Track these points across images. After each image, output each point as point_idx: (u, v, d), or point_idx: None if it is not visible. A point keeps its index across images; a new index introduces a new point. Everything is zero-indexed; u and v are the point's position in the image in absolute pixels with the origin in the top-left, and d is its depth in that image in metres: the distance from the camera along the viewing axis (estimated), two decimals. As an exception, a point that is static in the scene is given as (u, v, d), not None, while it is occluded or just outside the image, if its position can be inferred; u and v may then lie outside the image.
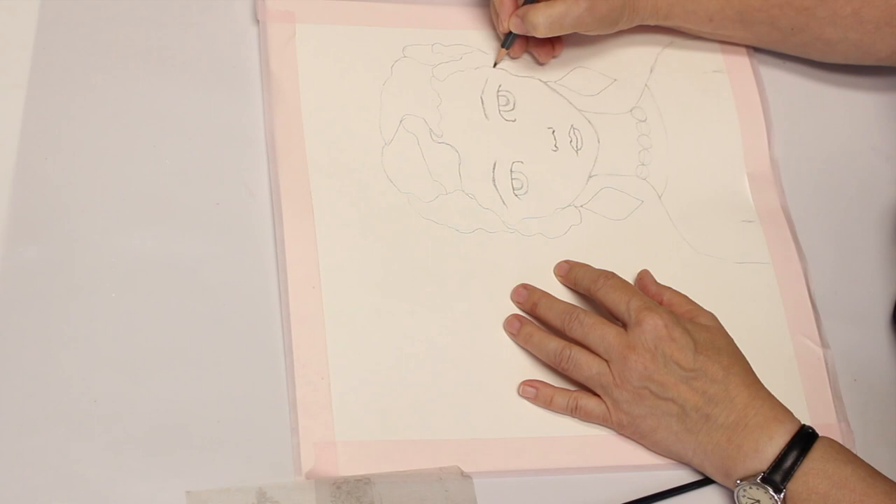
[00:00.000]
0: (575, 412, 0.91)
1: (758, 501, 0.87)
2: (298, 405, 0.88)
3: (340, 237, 0.95)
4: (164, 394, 0.87)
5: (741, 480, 0.87)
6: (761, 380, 0.91)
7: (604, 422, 0.91)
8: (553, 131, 1.04)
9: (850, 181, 1.07)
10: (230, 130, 0.99)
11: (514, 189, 1.01)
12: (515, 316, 0.95)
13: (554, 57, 1.06)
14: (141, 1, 1.03)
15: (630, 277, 0.98)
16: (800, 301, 1.01)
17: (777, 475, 0.86)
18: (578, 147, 1.04)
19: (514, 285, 0.97)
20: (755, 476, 0.87)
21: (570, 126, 1.04)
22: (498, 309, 0.96)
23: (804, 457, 0.86)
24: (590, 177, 1.03)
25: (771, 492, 0.86)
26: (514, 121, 1.04)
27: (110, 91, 0.98)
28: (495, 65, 1.04)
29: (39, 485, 0.83)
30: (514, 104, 1.04)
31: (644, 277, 0.98)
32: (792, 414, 0.89)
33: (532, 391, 0.92)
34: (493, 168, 1.01)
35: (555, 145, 1.03)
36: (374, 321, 0.93)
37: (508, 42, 1.04)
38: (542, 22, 0.99)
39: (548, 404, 0.92)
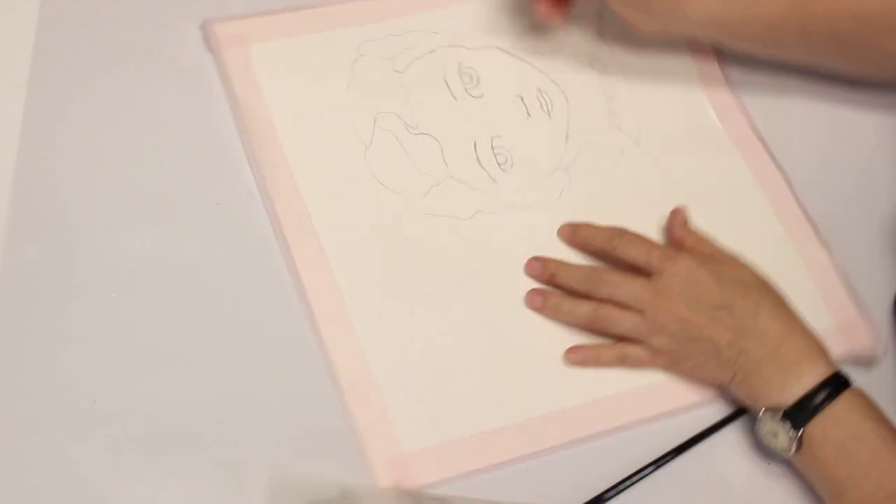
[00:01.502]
0: (624, 362, 0.92)
1: (775, 435, 0.87)
2: (360, 427, 0.88)
3: (351, 253, 0.94)
4: (164, 394, 0.87)
5: (764, 411, 0.88)
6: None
7: (652, 366, 0.93)
8: (522, 98, 1.04)
9: (850, 181, 1.07)
10: (230, 130, 0.98)
11: (499, 165, 1.01)
12: (535, 291, 0.95)
13: (558, 18, 1.02)
14: (141, 1, 1.03)
15: (632, 229, 0.98)
16: (792, 212, 1.03)
17: (798, 413, 0.87)
18: (550, 110, 1.04)
19: (524, 257, 0.97)
20: (778, 410, 0.87)
21: (536, 90, 1.05)
22: (519, 284, 0.96)
23: (829, 402, 0.87)
24: (567, 137, 1.03)
25: (790, 428, 0.86)
26: (482, 96, 1.04)
27: (110, 91, 0.98)
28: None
29: (39, 485, 0.83)
30: (479, 80, 1.04)
31: (674, 218, 0.98)
32: (828, 356, 0.89)
33: (579, 356, 0.92)
34: (475, 148, 1.01)
35: (527, 112, 1.04)
36: (407, 326, 0.93)
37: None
38: None
39: (597, 362, 0.92)
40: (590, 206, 1.00)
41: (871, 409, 0.88)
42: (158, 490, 0.84)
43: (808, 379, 0.88)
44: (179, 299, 0.91)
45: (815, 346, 0.90)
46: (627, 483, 0.89)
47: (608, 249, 0.95)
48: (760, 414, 0.88)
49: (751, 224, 1.02)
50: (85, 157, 0.95)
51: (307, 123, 0.99)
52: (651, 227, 1.00)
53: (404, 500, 0.86)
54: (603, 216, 0.99)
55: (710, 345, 0.90)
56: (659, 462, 0.90)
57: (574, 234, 0.97)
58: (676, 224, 0.98)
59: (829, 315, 0.98)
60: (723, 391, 0.93)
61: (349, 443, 0.88)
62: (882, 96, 1.10)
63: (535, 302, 0.94)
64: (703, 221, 1.00)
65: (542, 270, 0.95)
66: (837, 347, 0.95)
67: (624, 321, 0.92)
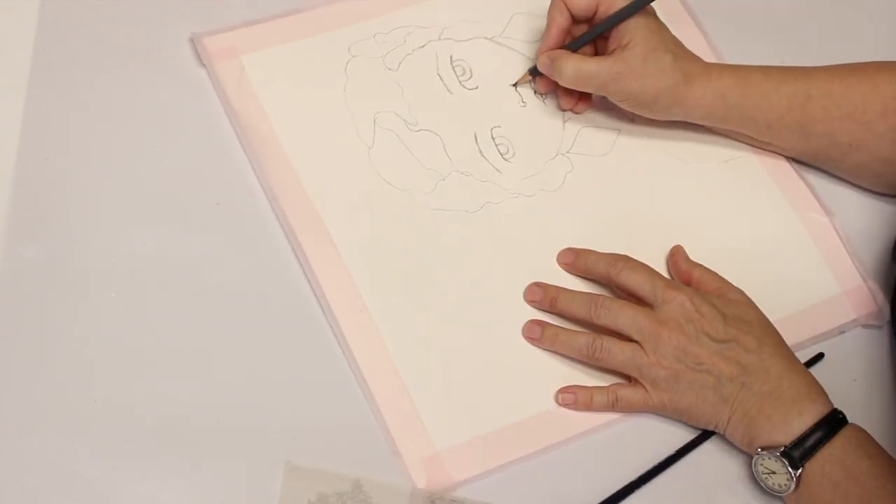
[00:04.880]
0: (615, 406, 0.92)
1: (773, 473, 0.87)
2: (391, 429, 0.88)
3: (366, 254, 0.95)
4: (165, 394, 0.87)
5: (762, 449, 0.88)
6: (784, 264, 0.98)
7: (645, 407, 0.91)
8: (515, 87, 1.05)
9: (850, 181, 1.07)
10: (230, 130, 0.98)
11: (501, 155, 1.02)
12: (533, 321, 0.94)
13: (574, 111, 1.04)
14: (141, 1, 1.03)
15: (637, 207, 1.01)
16: (791, 180, 1.04)
17: (797, 452, 0.86)
18: (544, 96, 1.05)
19: (537, 246, 0.97)
20: (776, 448, 0.87)
21: (528, 78, 1.05)
22: (532, 274, 0.96)
23: (827, 440, 0.86)
24: (564, 121, 1.04)
25: (787, 466, 0.86)
26: (477, 88, 1.04)
27: (110, 91, 0.98)
28: (516, 85, 1.04)
29: (39, 485, 0.83)
30: (471, 71, 1.05)
31: (676, 254, 0.98)
32: (826, 395, 0.89)
33: (571, 397, 0.92)
34: (476, 140, 1.02)
35: (521, 100, 1.04)
36: (427, 323, 0.93)
37: (536, 72, 1.03)
38: (568, 72, 0.98)
39: (588, 407, 0.92)
40: (594, 188, 1.01)
41: (869, 447, 0.87)
42: (158, 490, 0.84)
43: (807, 416, 0.88)
44: (180, 299, 0.91)
45: (814, 385, 0.90)
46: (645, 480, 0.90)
47: (612, 275, 0.94)
48: (758, 452, 0.88)
49: (755, 196, 1.03)
50: (85, 157, 0.95)
51: (308, 130, 0.99)
52: (656, 206, 1.01)
53: (417, 497, 0.86)
54: (609, 196, 1.01)
55: (711, 378, 0.89)
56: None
57: (575, 260, 0.97)
58: (680, 259, 0.98)
59: (836, 282, 1.00)
60: (715, 431, 0.92)
61: (375, 443, 0.88)
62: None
63: (534, 332, 0.94)
64: (705, 195, 1.02)
65: (543, 296, 0.95)
66: (846, 314, 0.98)
67: (622, 351, 0.91)
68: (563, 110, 1.04)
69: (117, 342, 0.89)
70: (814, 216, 1.03)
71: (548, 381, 0.92)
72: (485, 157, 1.01)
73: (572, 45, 1.01)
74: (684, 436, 0.92)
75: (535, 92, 1.05)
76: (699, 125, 1.03)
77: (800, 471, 0.86)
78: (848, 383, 0.96)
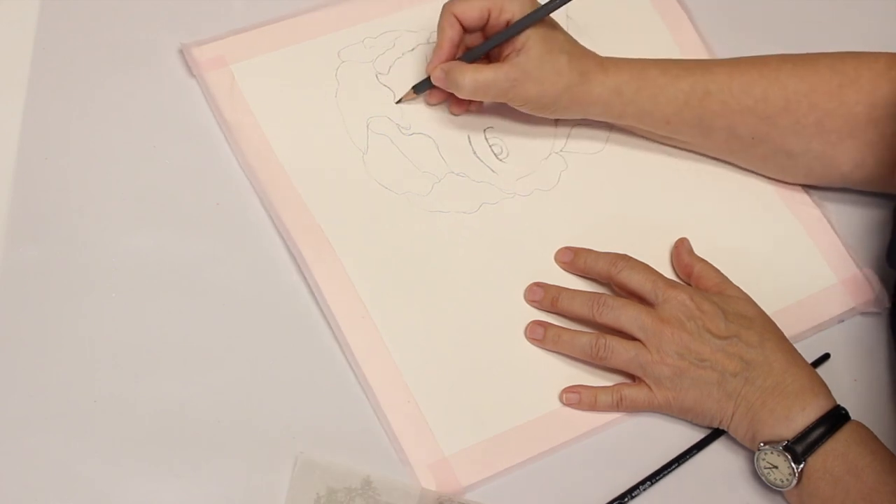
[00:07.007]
0: (620, 405, 0.92)
1: (775, 468, 0.87)
2: (398, 435, 0.88)
3: (365, 260, 0.94)
4: (164, 394, 0.87)
5: (764, 444, 0.88)
6: (778, 256, 0.99)
7: (649, 406, 0.91)
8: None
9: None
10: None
11: (496, 155, 1.02)
12: (536, 322, 0.94)
13: (468, 111, 1.03)
14: (141, 1, 1.03)
15: (632, 204, 1.01)
16: None
17: (800, 446, 0.86)
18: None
19: (535, 246, 0.97)
20: (779, 442, 0.87)
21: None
22: (531, 273, 0.96)
23: (830, 435, 0.87)
24: (557, 121, 1.04)
25: (790, 461, 0.86)
26: None
27: (110, 91, 0.98)
28: (399, 101, 1.02)
29: (39, 485, 0.83)
30: None
31: (680, 245, 0.98)
32: (829, 390, 0.89)
33: (575, 397, 0.92)
34: (469, 141, 1.02)
35: None
36: (430, 327, 0.93)
37: (421, 88, 1.01)
38: (466, 84, 0.96)
39: (592, 406, 0.92)
40: (589, 185, 1.01)
41: (871, 444, 0.87)
42: (158, 490, 0.84)
43: (811, 411, 0.88)
44: (180, 299, 0.91)
45: (817, 379, 0.90)
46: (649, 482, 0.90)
47: (612, 274, 0.94)
48: (760, 447, 0.88)
49: (748, 193, 1.03)
50: (85, 157, 0.95)
51: (302, 137, 0.99)
52: (649, 203, 1.02)
53: (427, 498, 0.85)
54: (604, 193, 1.01)
55: (715, 374, 0.89)
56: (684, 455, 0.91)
57: (574, 259, 0.97)
58: (684, 251, 0.98)
59: (831, 271, 1.00)
60: (719, 428, 0.92)
61: (379, 447, 0.88)
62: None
63: (536, 333, 0.94)
64: (701, 191, 1.02)
65: (544, 296, 0.95)
66: (844, 302, 0.98)
67: (626, 350, 0.91)
68: (455, 114, 1.02)
69: (117, 342, 0.89)
70: (805, 208, 1.03)
71: (552, 381, 0.92)
72: (479, 158, 1.01)
73: (468, 55, 0.99)
74: (689, 434, 0.92)
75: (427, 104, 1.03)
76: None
77: (802, 465, 0.86)
78: (848, 383, 0.96)
